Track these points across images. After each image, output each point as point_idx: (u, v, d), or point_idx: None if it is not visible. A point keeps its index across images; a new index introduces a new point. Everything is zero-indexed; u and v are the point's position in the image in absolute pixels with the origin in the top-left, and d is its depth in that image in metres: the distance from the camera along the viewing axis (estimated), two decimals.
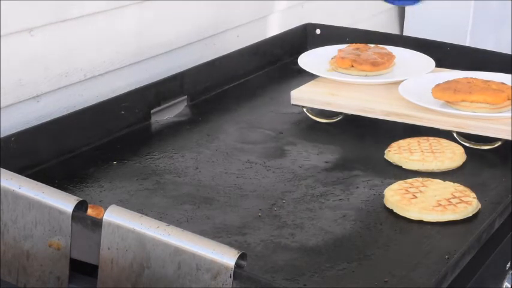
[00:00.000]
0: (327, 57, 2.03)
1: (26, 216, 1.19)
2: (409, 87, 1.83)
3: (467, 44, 2.88)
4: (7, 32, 1.65)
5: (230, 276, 1.08)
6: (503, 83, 1.77)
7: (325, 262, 1.30)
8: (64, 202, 1.18)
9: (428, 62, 1.99)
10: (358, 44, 2.08)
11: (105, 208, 1.17)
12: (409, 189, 1.48)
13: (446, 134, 1.72)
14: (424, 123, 1.74)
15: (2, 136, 1.57)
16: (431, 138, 1.70)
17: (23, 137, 1.57)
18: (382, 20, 3.05)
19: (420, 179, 1.53)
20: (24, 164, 1.54)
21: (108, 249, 1.14)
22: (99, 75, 1.89)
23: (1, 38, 1.64)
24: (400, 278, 1.26)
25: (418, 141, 1.69)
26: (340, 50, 2.03)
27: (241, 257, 1.09)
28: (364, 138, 1.79)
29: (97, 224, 1.15)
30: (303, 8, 2.58)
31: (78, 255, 1.18)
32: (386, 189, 1.51)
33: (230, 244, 1.12)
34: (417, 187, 1.49)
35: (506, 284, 1.44)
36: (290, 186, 1.56)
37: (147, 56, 2.02)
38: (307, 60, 2.05)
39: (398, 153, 1.65)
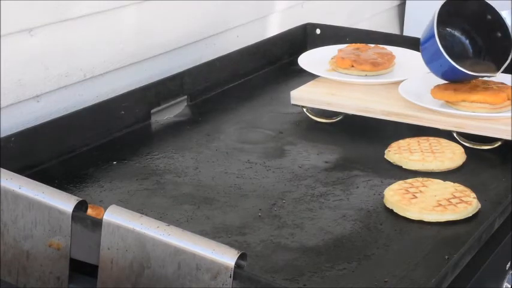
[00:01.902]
0: (327, 57, 2.03)
1: (26, 216, 1.19)
2: (409, 87, 1.83)
3: None
4: (7, 32, 1.65)
5: (230, 276, 1.08)
6: (503, 83, 1.77)
7: (325, 262, 1.30)
8: (64, 202, 1.18)
9: None
10: (358, 44, 2.08)
11: (105, 208, 1.17)
12: (409, 189, 1.48)
13: (446, 134, 1.72)
14: (424, 123, 1.74)
15: (2, 136, 1.57)
16: (431, 138, 1.70)
17: (23, 137, 1.57)
18: (382, 20, 3.05)
19: (420, 179, 1.53)
20: (24, 164, 1.54)
21: (108, 249, 1.14)
22: (99, 75, 1.89)
23: (1, 38, 1.64)
24: (400, 278, 1.26)
25: (418, 141, 1.69)
26: (340, 50, 2.03)
27: (241, 257, 1.09)
28: (364, 138, 1.79)
29: (97, 224, 1.15)
30: (303, 8, 2.58)
31: (78, 255, 1.18)
32: (386, 189, 1.51)
33: (230, 244, 1.11)
34: (417, 187, 1.49)
35: (506, 284, 1.44)
36: (290, 186, 1.56)
37: (147, 56, 2.01)
38: (307, 60, 2.05)
39: (399, 153, 1.65)
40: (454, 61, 1.70)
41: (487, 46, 1.81)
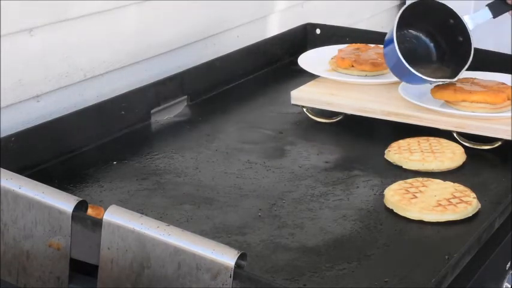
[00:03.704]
0: (327, 57, 2.03)
1: (26, 216, 1.19)
2: (409, 87, 1.83)
3: None
4: (7, 32, 1.65)
5: (230, 276, 1.08)
6: (503, 83, 1.78)
7: (325, 262, 1.30)
8: (64, 202, 1.18)
9: None
10: (358, 44, 2.09)
11: (105, 208, 1.17)
12: (409, 189, 1.48)
13: (447, 134, 1.72)
14: (424, 123, 1.74)
15: (2, 136, 1.57)
16: (431, 138, 1.70)
17: (23, 137, 1.57)
18: (382, 20, 3.04)
19: (420, 179, 1.53)
20: (24, 164, 1.54)
21: (108, 249, 1.14)
22: (99, 75, 1.89)
23: (1, 38, 1.64)
24: (400, 278, 1.26)
25: (418, 141, 1.69)
26: (340, 50, 2.03)
27: (241, 257, 1.09)
28: (364, 138, 1.79)
29: (97, 224, 1.15)
30: (303, 8, 2.58)
31: (78, 255, 1.18)
32: (386, 189, 1.51)
33: (230, 244, 1.12)
34: (417, 187, 1.49)
35: (506, 284, 1.44)
36: (290, 186, 1.56)
37: (147, 56, 2.01)
38: (307, 60, 2.05)
39: (398, 153, 1.65)
40: (415, 65, 1.72)
41: (450, 50, 1.83)
